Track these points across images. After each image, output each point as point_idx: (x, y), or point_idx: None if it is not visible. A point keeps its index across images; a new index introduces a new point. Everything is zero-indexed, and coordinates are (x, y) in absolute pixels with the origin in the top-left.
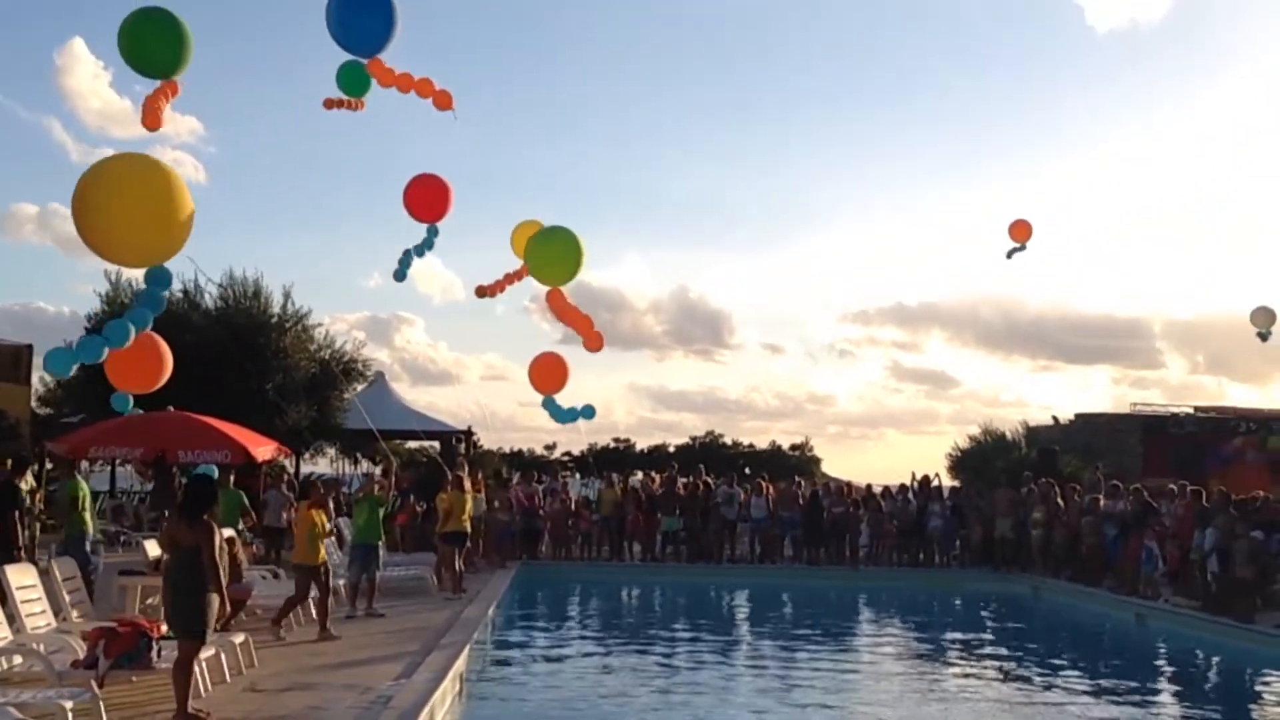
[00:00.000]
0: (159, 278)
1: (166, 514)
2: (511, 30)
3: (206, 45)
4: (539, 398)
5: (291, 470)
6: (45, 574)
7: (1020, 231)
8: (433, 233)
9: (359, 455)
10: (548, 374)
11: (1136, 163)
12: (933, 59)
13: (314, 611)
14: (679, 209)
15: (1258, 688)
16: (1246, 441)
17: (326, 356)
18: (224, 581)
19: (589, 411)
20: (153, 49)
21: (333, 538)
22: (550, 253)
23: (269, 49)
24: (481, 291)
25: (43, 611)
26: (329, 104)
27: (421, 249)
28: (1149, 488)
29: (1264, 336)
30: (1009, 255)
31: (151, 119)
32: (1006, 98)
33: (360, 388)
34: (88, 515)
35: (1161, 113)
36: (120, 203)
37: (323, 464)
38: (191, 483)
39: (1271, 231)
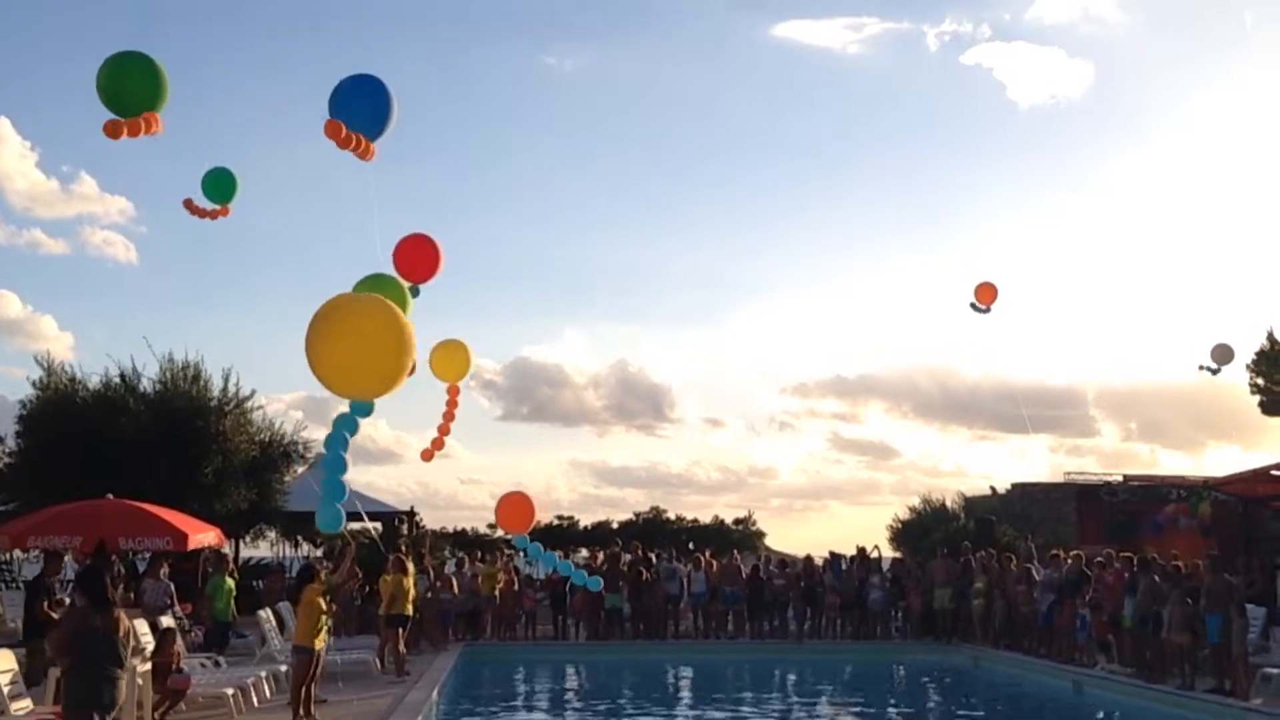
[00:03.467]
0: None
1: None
2: (436, 105)
3: None
4: (480, 475)
5: (231, 553)
6: None
7: (985, 294)
8: None
9: (299, 538)
10: (515, 514)
11: (1063, 232)
12: (862, 131)
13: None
14: (616, 283)
15: None
16: (1179, 508)
17: (266, 439)
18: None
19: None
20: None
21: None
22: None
23: (196, 129)
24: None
25: None
26: (190, 208)
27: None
28: (1087, 555)
29: (1214, 371)
30: (971, 307)
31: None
32: (936, 171)
33: (301, 470)
34: None
35: (1084, 183)
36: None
37: (263, 547)
38: (91, 571)
39: (1196, 298)
